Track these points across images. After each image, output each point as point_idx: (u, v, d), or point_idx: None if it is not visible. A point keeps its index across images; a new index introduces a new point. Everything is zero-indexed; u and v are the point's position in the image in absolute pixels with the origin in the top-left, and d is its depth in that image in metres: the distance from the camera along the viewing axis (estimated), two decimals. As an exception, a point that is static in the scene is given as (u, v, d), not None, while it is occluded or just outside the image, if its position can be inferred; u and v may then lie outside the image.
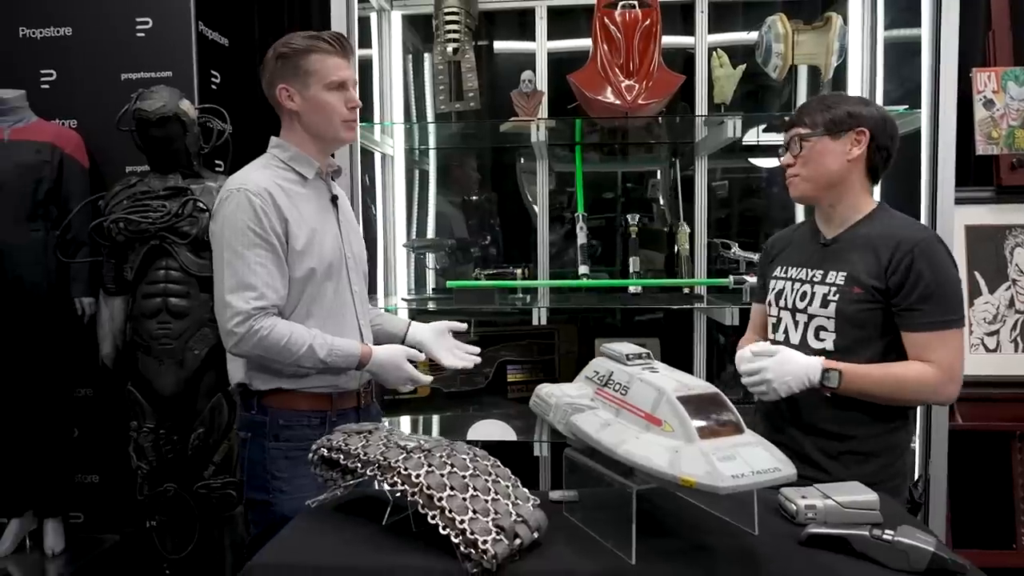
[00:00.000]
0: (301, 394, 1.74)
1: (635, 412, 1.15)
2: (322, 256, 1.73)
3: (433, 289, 3.05)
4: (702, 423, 1.07)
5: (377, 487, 1.22)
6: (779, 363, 1.59)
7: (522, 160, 3.11)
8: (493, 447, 1.33)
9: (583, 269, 2.72)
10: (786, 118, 1.78)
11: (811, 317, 1.68)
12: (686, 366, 2.57)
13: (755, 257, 2.51)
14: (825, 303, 1.65)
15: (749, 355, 1.65)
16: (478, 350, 1.91)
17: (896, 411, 1.64)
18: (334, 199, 1.84)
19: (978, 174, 2.71)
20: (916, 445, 2.32)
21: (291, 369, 1.70)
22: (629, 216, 2.83)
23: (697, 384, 1.15)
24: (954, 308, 1.57)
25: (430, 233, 3.20)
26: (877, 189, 2.61)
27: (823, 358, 1.60)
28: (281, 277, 1.67)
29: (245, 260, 1.64)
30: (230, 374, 1.85)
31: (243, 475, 1.84)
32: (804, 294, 1.70)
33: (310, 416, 1.75)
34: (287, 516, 1.41)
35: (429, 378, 1.82)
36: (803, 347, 1.68)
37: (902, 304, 1.57)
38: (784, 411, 1.70)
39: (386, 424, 1.41)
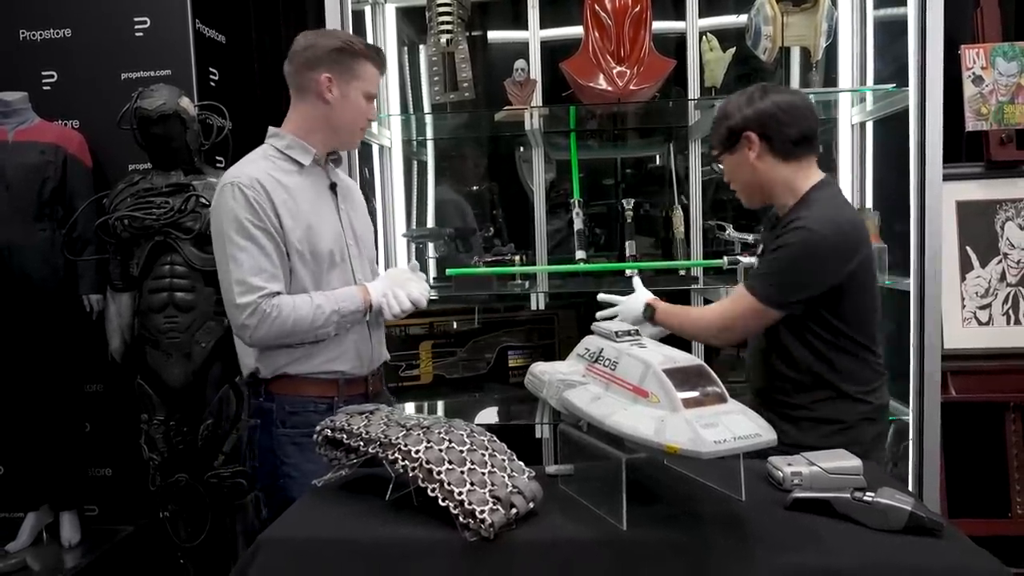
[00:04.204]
0: (307, 380, 1.75)
1: (624, 385, 1.20)
2: (320, 247, 1.74)
3: (434, 278, 3.09)
4: (687, 394, 1.11)
5: (379, 464, 1.27)
6: (624, 301, 1.91)
7: (521, 149, 3.14)
8: (497, 430, 1.37)
9: (580, 255, 2.75)
10: None
11: None
12: (684, 348, 2.61)
13: (750, 238, 2.54)
14: None
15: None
16: (427, 288, 1.89)
17: (826, 381, 1.66)
18: (333, 186, 1.85)
19: (969, 150, 2.73)
20: (909, 419, 2.36)
21: (310, 338, 1.71)
22: (624, 201, 2.86)
23: (683, 357, 1.20)
24: (770, 283, 1.62)
25: (430, 223, 3.24)
26: (870, 167, 2.67)
27: (650, 295, 1.87)
28: (282, 265, 1.69)
29: (247, 252, 1.65)
30: (241, 363, 1.85)
31: (255, 462, 1.86)
32: None
33: (316, 402, 1.75)
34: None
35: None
36: None
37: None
38: (752, 381, 1.83)
39: (386, 406, 1.45)
